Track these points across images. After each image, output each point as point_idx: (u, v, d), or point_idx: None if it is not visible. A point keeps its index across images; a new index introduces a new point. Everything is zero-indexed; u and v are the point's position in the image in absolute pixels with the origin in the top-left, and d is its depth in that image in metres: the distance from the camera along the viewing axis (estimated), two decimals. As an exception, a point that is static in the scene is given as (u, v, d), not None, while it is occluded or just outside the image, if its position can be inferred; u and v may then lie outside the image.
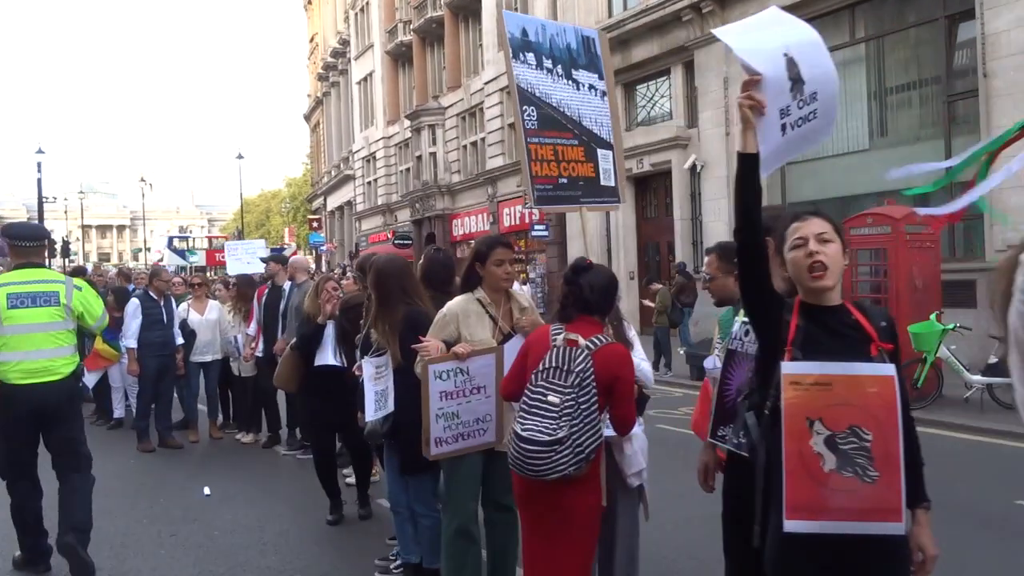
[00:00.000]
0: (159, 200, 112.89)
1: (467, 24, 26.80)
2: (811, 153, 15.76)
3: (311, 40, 45.58)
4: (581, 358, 2.89)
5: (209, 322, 8.44)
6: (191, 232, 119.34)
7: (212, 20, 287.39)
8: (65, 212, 70.77)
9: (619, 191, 5.10)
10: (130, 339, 7.91)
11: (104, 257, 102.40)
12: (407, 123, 30.53)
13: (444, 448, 3.49)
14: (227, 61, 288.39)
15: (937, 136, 13.38)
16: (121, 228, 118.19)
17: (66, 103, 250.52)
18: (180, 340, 8.14)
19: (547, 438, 2.77)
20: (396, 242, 29.69)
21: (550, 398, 2.82)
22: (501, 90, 24.02)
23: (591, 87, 5.00)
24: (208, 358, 8.48)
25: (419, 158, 28.77)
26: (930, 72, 13.56)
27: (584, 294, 3.09)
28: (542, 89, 4.70)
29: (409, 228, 30.32)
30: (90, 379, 9.17)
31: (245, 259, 11.61)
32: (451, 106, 27.51)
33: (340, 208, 40.49)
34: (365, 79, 34.72)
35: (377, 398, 3.91)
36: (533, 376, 2.93)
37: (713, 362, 3.40)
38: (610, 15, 19.80)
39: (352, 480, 5.95)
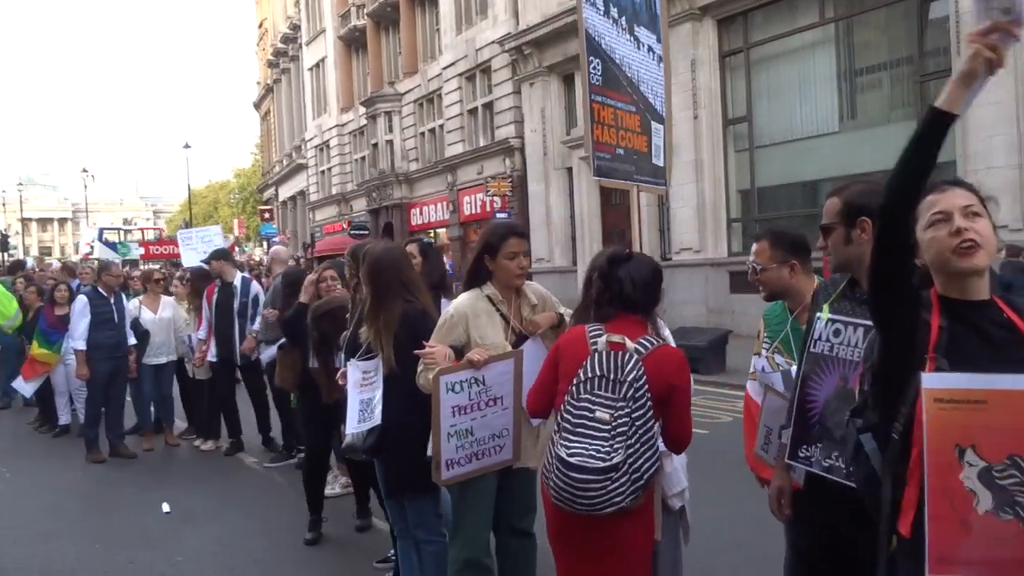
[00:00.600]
0: (102, 192, 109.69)
1: (423, 8, 26.11)
2: (778, 135, 15.57)
3: (260, 26, 44.29)
4: (632, 364, 2.42)
5: (163, 321, 7.79)
6: (135, 224, 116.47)
7: (157, 5, 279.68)
8: (3, 204, 68.08)
9: (667, 172, 4.62)
10: (78, 340, 7.25)
11: (45, 251, 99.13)
12: (362, 110, 29.72)
13: (457, 471, 3.00)
14: (173, 48, 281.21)
15: (909, 117, 13.20)
16: (63, 221, 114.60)
17: (2, 92, 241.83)
18: (132, 341, 7.49)
19: (601, 464, 2.31)
20: (352, 232, 28.91)
21: (599, 414, 2.36)
22: (460, 75, 23.44)
23: (650, 49, 4.51)
24: (162, 359, 7.84)
25: (375, 146, 28.03)
26: (901, 52, 13.37)
27: (624, 289, 2.62)
28: (607, 41, 4.20)
29: (365, 218, 29.57)
30: (28, 388, 8.49)
31: (201, 248, 10.82)
32: (408, 92, 26.81)
33: (293, 198, 39.48)
34: (317, 65, 33.76)
35: (362, 408, 3.39)
36: (573, 388, 2.46)
37: (763, 365, 2.96)
38: (572, -3, 19.31)
39: (333, 492, 5.44)
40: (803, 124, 14.89)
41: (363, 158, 30.63)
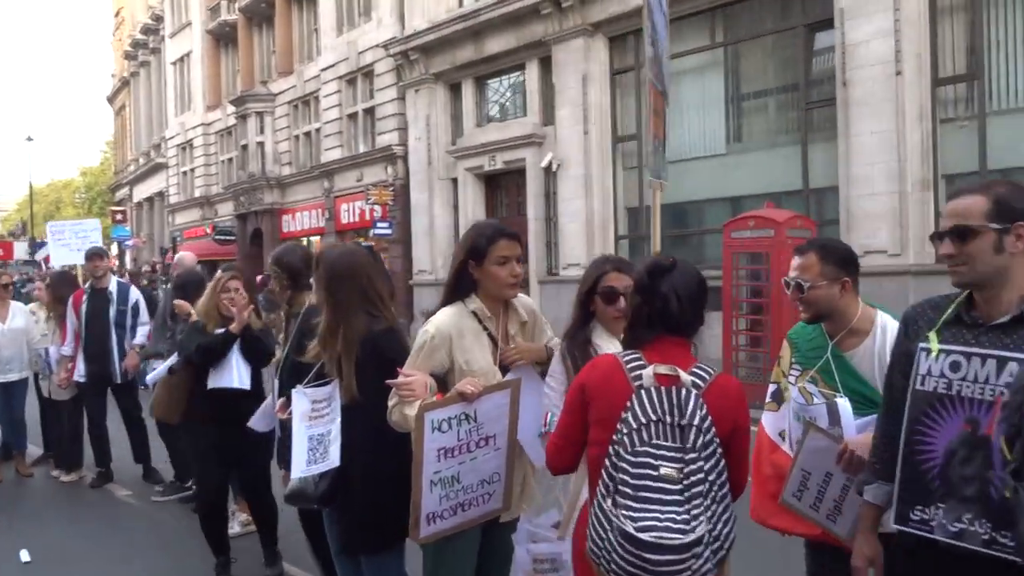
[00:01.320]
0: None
1: (300, 5, 25.05)
2: (668, 155, 15.67)
3: (116, 15, 41.44)
4: (693, 403, 1.99)
5: (13, 332, 6.73)
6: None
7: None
8: None
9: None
10: None
11: None
12: (231, 109, 28.18)
13: (439, 525, 2.47)
14: (13, 33, 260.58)
15: (794, 143, 13.60)
16: None
17: None
18: None
19: (682, 539, 1.87)
20: (217, 237, 27.41)
21: (664, 471, 1.91)
22: (340, 78, 22.57)
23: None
24: (13, 376, 6.76)
25: (245, 147, 26.61)
26: (788, 79, 13.75)
27: (670, 306, 2.17)
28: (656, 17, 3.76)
29: (232, 223, 28.03)
30: None
31: (75, 245, 9.48)
32: (282, 93, 25.62)
33: (149, 199, 37.03)
34: (181, 59, 31.81)
35: (312, 446, 2.80)
36: (625, 438, 2.00)
37: (796, 396, 2.61)
38: (461, 4, 18.95)
39: (232, 531, 4.73)
40: (690, 145, 15.08)
41: (231, 159, 29.04)
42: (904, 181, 11.67)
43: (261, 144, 26.06)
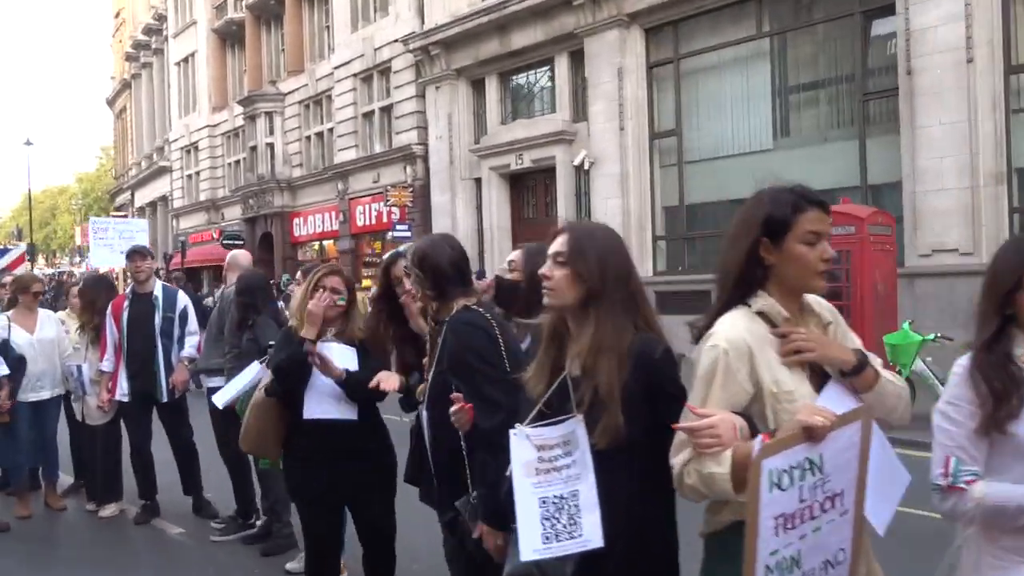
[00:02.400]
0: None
1: (311, 2, 24.29)
2: (709, 151, 15.01)
3: (116, 15, 40.62)
4: None
5: (43, 343, 5.90)
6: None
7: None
8: None
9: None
10: None
11: None
12: (238, 110, 27.41)
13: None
14: (7, 36, 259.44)
15: (849, 136, 12.89)
16: None
17: None
18: (3, 370, 5.64)
19: None
20: (225, 242, 26.51)
21: None
22: (355, 76, 21.81)
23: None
24: (45, 394, 5.91)
25: (253, 149, 25.83)
26: (841, 69, 13.03)
27: None
28: None
29: (240, 227, 27.23)
30: None
31: (119, 245, 8.55)
32: (292, 92, 24.85)
33: (152, 204, 36.18)
34: (186, 60, 31.01)
35: (549, 514, 1.98)
36: None
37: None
38: (486, -3, 18.20)
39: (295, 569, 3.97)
40: (735, 140, 14.36)
41: (238, 162, 28.26)
42: (976, 175, 10.96)
43: (271, 145, 25.29)
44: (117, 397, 5.58)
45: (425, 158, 19.72)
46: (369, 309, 4.10)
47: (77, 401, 5.94)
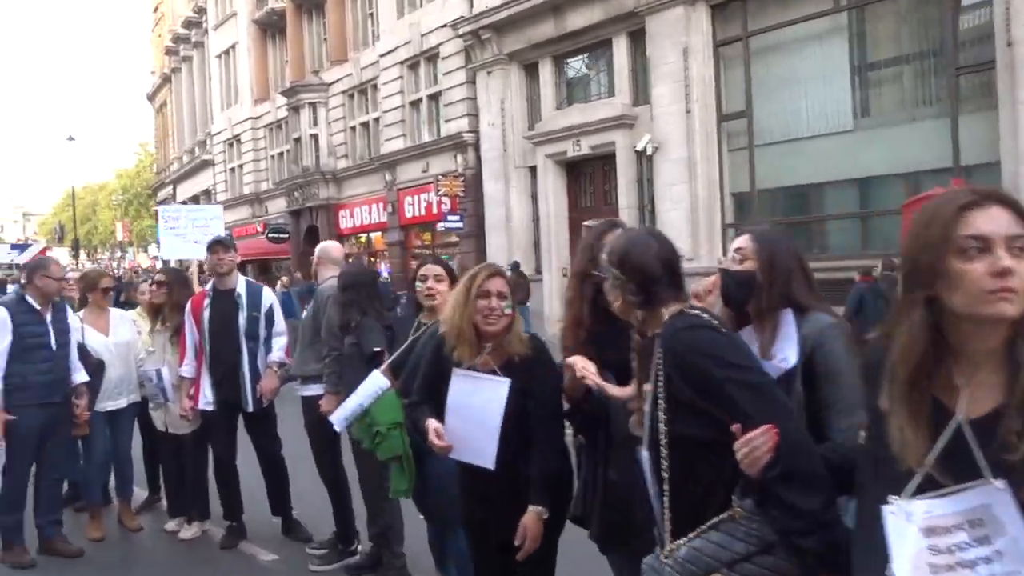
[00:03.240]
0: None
1: (355, -11, 23.80)
2: (781, 134, 14.24)
3: (155, 10, 40.56)
4: None
5: (119, 346, 5.41)
6: (2, 228, 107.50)
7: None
8: None
9: None
10: None
11: None
12: (280, 101, 27.06)
13: None
14: (48, 37, 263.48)
15: (939, 114, 12.07)
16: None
17: None
18: (81, 376, 5.12)
19: None
20: (270, 235, 26.32)
21: None
22: (401, 63, 21.28)
23: None
24: (122, 402, 5.41)
25: (297, 141, 25.45)
26: (928, 43, 12.22)
27: None
28: None
29: (285, 220, 26.90)
30: None
31: (192, 235, 7.99)
32: (336, 82, 24.40)
33: (195, 198, 36.01)
34: (227, 52, 30.73)
35: None
36: None
37: None
38: (539, -22, 17.53)
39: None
40: (811, 121, 13.59)
41: (281, 154, 27.94)
42: (1087, 152, 10.14)
43: (315, 137, 24.89)
44: (200, 406, 5.05)
45: (476, 146, 19.16)
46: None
47: (157, 409, 5.41)
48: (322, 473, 4.70)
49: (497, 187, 18.47)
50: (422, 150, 20.72)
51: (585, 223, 3.21)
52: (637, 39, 15.69)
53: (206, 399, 5.01)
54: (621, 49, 15.96)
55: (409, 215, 21.53)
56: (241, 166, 30.32)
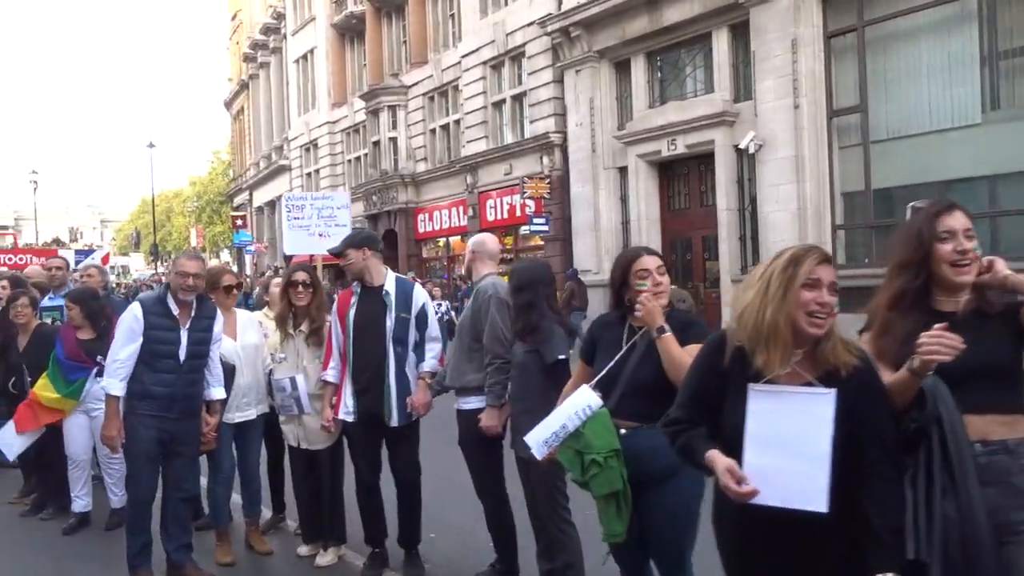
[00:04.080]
0: (46, 199, 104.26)
1: (436, -9, 23.52)
2: (902, 128, 13.33)
3: (233, 18, 41.13)
4: None
5: (248, 351, 4.94)
6: (81, 234, 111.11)
7: (113, 4, 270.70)
8: (-60, 210, 63.47)
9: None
10: (113, 379, 4.41)
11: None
12: (358, 105, 26.97)
13: None
14: (128, 48, 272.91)
15: (1085, 105, 11.06)
16: (3, 229, 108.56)
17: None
18: (219, 392, 4.65)
19: None
20: (348, 240, 26.11)
21: None
22: (484, 63, 20.87)
23: None
24: (250, 414, 4.94)
25: (376, 144, 25.28)
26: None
27: None
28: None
29: (363, 224, 26.72)
30: (15, 445, 5.62)
31: (316, 227, 7.21)
32: (415, 85, 24.14)
33: (271, 203, 36.31)
34: (304, 57, 30.84)
35: None
36: None
37: None
38: (634, -29, 16.91)
39: None
40: (934, 115, 12.66)
41: (358, 158, 27.85)
42: None
43: (394, 140, 24.68)
44: (340, 416, 4.52)
45: (563, 147, 18.62)
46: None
47: (289, 422, 4.85)
48: (483, 497, 4.16)
49: (585, 189, 17.89)
50: (505, 152, 20.26)
51: (912, 204, 2.59)
52: (739, 32, 14.95)
53: (346, 409, 4.49)
54: (722, 43, 15.23)
55: (491, 218, 21.08)
56: (318, 171, 30.34)
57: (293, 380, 4.72)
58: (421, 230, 24.27)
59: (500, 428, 3.95)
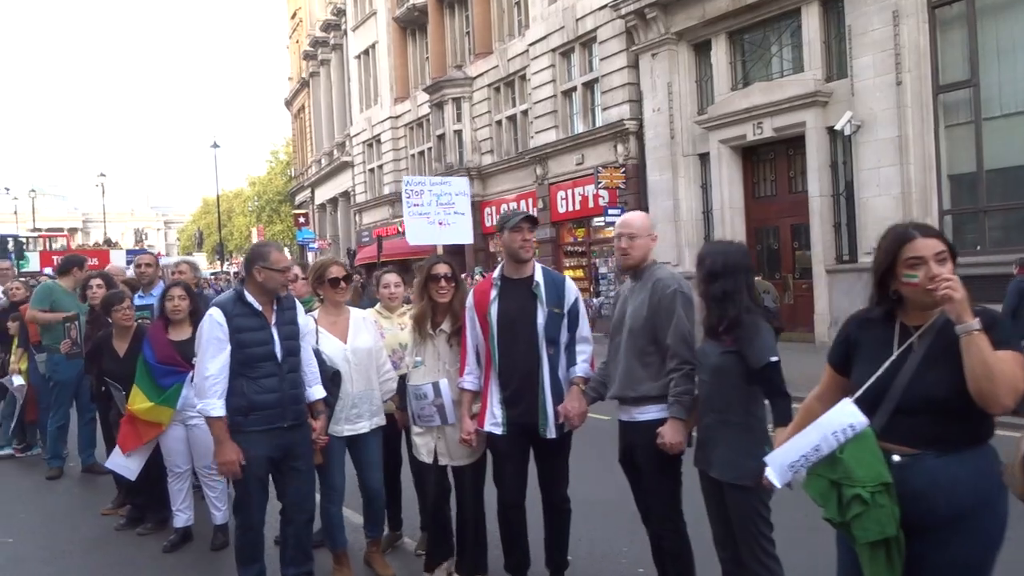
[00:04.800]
0: (113, 201, 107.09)
1: (501, -21, 22.98)
2: (1018, 103, 12.35)
3: (293, 16, 41.22)
4: None
5: (359, 355, 4.40)
6: (146, 235, 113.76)
7: (168, 8, 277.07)
8: (14, 214, 65.27)
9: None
10: (211, 398, 3.83)
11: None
12: (420, 99, 26.63)
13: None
14: (189, 51, 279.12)
15: None
16: (72, 231, 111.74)
17: (11, 98, 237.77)
18: (318, 391, 4.12)
19: None
20: (414, 235, 25.75)
21: None
22: (553, 51, 20.26)
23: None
24: (363, 426, 4.39)
25: (440, 138, 24.87)
26: None
27: None
28: None
29: (427, 219, 26.39)
30: (131, 466, 5.22)
31: (435, 214, 6.39)
32: (480, 76, 23.66)
33: (333, 200, 36.30)
34: (366, 52, 30.62)
35: None
36: None
37: None
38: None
39: None
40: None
41: (421, 153, 27.51)
42: None
43: (458, 133, 24.25)
44: (487, 427, 3.91)
45: (638, 134, 17.92)
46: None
47: (425, 434, 4.21)
48: (656, 523, 3.54)
49: (663, 177, 17.18)
50: (577, 141, 19.63)
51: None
52: (832, 7, 14.10)
53: (494, 419, 3.90)
54: (812, 19, 14.37)
55: (562, 210, 20.49)
56: (381, 166, 30.10)
57: (436, 386, 4.09)
58: (488, 224, 23.75)
59: (685, 444, 3.36)
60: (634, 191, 18.00)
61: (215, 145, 38.47)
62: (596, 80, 19.16)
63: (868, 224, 13.28)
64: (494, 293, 3.95)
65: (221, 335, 3.86)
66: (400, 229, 27.89)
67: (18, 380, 7.56)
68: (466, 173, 23.69)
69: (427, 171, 26.71)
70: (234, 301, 3.96)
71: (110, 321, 5.83)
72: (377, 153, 30.44)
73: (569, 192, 20.16)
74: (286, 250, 29.90)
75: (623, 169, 18.06)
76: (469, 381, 3.99)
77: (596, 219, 19.05)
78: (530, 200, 21.60)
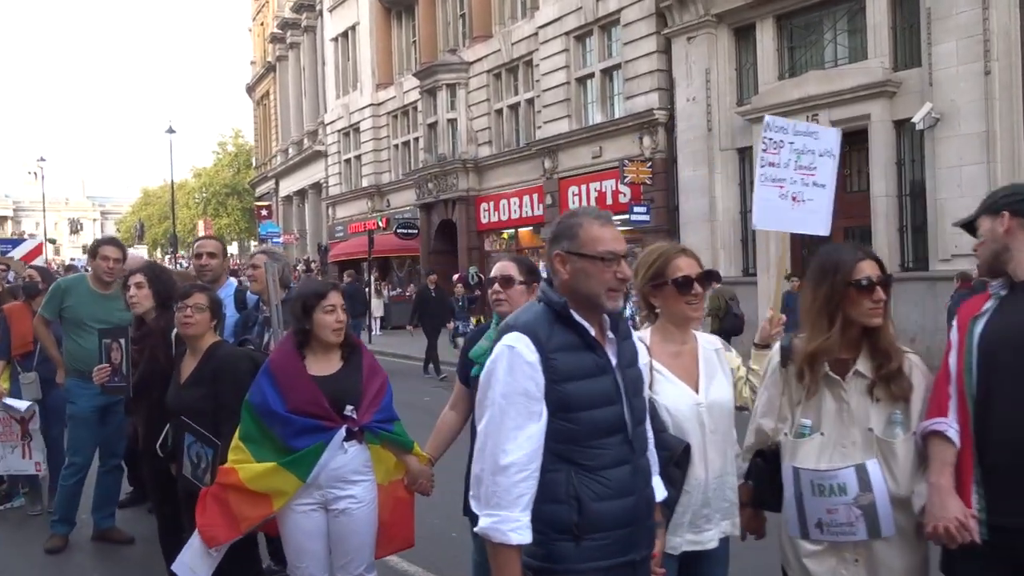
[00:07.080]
0: (46, 190, 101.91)
1: (502, -44, 21.35)
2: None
3: (256, -2, 38.88)
4: None
5: (718, 413, 2.40)
6: (81, 226, 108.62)
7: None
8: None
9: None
10: (509, 510, 2.07)
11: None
12: (405, 86, 24.88)
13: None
14: (138, 32, 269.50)
15: None
16: (2, 220, 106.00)
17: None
18: (658, 489, 2.41)
19: None
20: (400, 231, 23.99)
21: None
22: (567, 34, 18.71)
23: None
24: (711, 538, 2.42)
25: (432, 127, 23.10)
26: None
27: None
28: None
29: (413, 213, 24.62)
30: (206, 566, 3.39)
31: (793, 185, 3.86)
32: (477, 61, 21.97)
33: (301, 192, 34.16)
34: (344, 34, 28.63)
35: None
36: None
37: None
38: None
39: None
40: None
41: (407, 143, 25.70)
42: None
43: (452, 122, 22.52)
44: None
45: (667, 125, 16.49)
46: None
47: (826, 555, 2.38)
48: None
49: (697, 173, 15.76)
50: (594, 132, 18.12)
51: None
52: (902, -13, 12.88)
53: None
54: (879, 3, 13.10)
55: (574, 207, 18.91)
56: (359, 157, 28.17)
57: (863, 471, 2.44)
58: (484, 220, 22.12)
59: None
60: (662, 187, 16.58)
61: (171, 131, 35.91)
62: (618, 66, 17.68)
63: (947, 228, 12.03)
64: (988, 306, 2.34)
65: (534, 388, 2.15)
66: (379, 224, 26.01)
67: (20, 403, 5.74)
68: (461, 165, 22.03)
69: (411, 163, 24.98)
70: (548, 320, 2.23)
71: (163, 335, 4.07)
72: (355, 143, 28.47)
73: (583, 187, 18.64)
74: (234, 244, 27.58)
75: (649, 163, 16.62)
76: (946, 425, 2.37)
77: (615, 217, 17.54)
78: (535, 195, 20.02)
